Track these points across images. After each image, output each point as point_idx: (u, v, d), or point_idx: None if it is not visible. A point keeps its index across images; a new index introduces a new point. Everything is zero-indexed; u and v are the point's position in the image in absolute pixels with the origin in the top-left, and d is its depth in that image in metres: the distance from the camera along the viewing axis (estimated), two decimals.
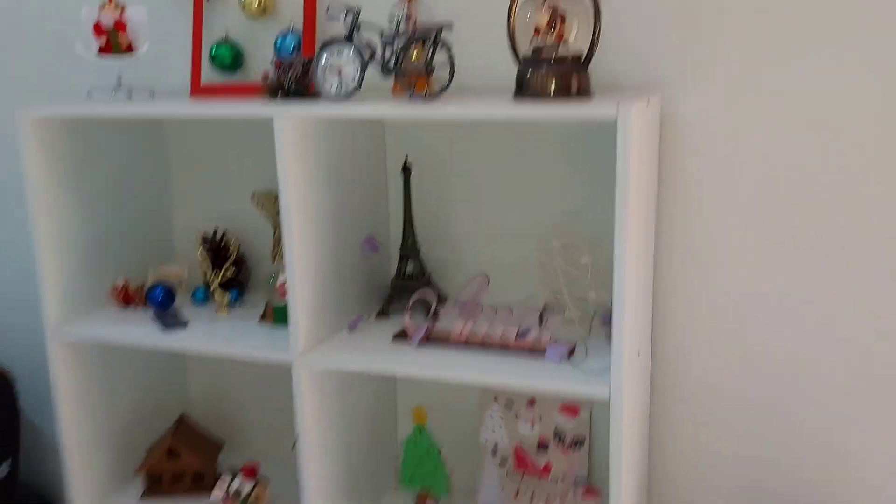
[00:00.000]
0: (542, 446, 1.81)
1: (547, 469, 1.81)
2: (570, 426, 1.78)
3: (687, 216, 1.63)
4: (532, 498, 1.81)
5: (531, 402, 1.80)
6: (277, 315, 1.66)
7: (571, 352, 1.50)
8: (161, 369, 2.03)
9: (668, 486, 1.76)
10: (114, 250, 1.86)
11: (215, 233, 1.89)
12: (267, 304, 1.71)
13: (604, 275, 1.55)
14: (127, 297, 1.83)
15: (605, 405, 1.39)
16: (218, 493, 1.78)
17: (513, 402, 1.82)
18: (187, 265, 1.94)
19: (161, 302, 1.77)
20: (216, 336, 1.66)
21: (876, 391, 1.58)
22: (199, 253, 1.81)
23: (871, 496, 1.63)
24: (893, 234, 1.51)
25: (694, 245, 1.64)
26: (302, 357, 1.53)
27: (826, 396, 1.62)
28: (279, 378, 1.93)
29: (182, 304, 1.84)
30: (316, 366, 1.55)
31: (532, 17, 1.42)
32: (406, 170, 1.69)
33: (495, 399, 1.82)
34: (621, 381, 1.35)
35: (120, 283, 1.83)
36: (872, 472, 1.62)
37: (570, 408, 1.77)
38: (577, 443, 1.78)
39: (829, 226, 1.54)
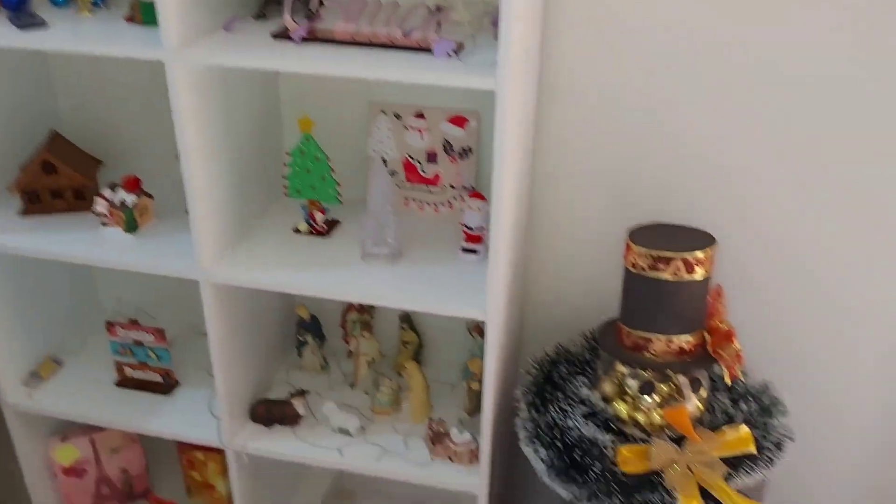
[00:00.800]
0: (431, 158, 1.83)
1: (436, 179, 1.84)
2: (458, 136, 1.79)
3: None
4: (421, 206, 1.87)
5: (419, 114, 1.79)
6: (145, 13, 1.53)
7: (459, 49, 1.47)
8: (24, 81, 1.88)
9: (548, 192, 1.84)
10: None
11: None
12: (132, 2, 1.57)
13: None
14: None
15: (492, 115, 1.39)
16: (102, 205, 1.74)
17: (400, 115, 1.80)
18: None
19: (15, 1, 1.60)
20: (81, 35, 1.53)
21: (755, 98, 1.65)
22: None
23: (735, 202, 1.75)
24: None
25: None
26: (176, 52, 1.43)
27: (704, 105, 1.67)
28: (153, 91, 1.84)
29: (39, 6, 1.67)
30: (193, 62, 1.47)
31: None
32: None
33: (383, 111, 1.81)
34: (508, 74, 1.34)
35: None
36: (740, 181, 1.73)
37: (458, 119, 1.78)
38: (465, 152, 1.81)
39: None
